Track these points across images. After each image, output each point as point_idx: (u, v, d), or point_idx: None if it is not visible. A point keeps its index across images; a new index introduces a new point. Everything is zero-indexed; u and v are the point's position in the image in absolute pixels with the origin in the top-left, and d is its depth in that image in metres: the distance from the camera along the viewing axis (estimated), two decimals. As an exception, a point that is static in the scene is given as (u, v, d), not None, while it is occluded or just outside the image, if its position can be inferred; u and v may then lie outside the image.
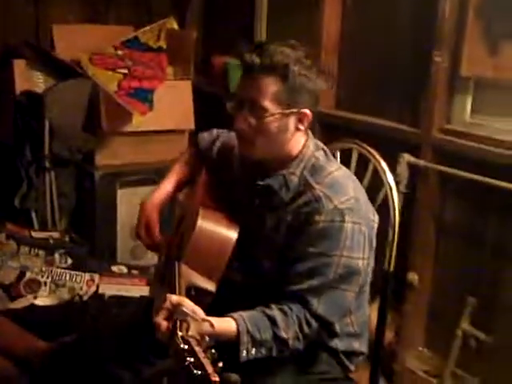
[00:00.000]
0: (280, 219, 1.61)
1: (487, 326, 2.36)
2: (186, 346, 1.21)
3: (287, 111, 1.56)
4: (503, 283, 2.36)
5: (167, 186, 1.90)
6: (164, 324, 1.38)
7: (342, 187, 1.58)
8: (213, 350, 1.22)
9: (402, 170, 2.49)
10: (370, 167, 1.96)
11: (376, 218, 1.69)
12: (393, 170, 2.41)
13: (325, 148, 1.69)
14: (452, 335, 2.39)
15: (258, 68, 1.54)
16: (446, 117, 2.48)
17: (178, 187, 1.92)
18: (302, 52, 1.57)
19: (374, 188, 1.94)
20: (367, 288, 1.74)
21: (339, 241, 1.53)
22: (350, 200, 1.56)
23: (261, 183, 1.64)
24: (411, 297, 2.60)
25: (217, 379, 1.15)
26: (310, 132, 1.68)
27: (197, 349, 1.21)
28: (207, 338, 1.28)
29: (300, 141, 1.64)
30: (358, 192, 1.62)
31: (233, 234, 1.62)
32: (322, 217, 1.54)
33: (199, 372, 1.16)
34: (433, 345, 2.64)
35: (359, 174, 1.98)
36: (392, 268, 1.88)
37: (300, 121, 1.59)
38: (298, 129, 1.60)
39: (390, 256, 1.87)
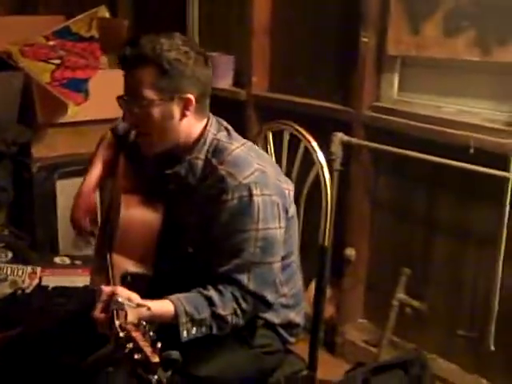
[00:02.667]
0: (193, 204, 1.64)
1: (421, 295, 2.45)
2: (124, 333, 1.24)
3: (167, 97, 1.57)
4: (433, 254, 2.46)
5: (96, 170, 1.91)
6: (101, 317, 1.40)
7: (244, 162, 1.59)
8: (151, 333, 1.25)
9: (336, 148, 2.54)
10: (302, 147, 2.00)
11: (290, 185, 1.72)
12: (328, 149, 2.49)
13: (228, 127, 1.70)
14: (389, 305, 2.46)
15: (131, 61, 1.56)
16: (375, 95, 2.55)
17: (107, 170, 1.93)
18: (178, 40, 1.57)
19: (308, 167, 1.99)
20: (295, 259, 1.78)
21: (252, 215, 1.55)
22: (254, 173, 1.57)
23: (169, 171, 1.66)
24: (349, 271, 2.68)
25: (156, 359, 1.18)
26: (211, 115, 1.69)
27: (134, 334, 1.24)
28: (144, 323, 1.29)
29: (197, 125, 1.65)
30: (264, 164, 1.63)
31: (157, 216, 1.65)
32: (229, 195, 1.55)
33: (140, 356, 1.19)
34: (371, 316, 2.73)
35: (292, 155, 2.03)
36: (327, 243, 1.93)
37: (185, 107, 1.59)
38: (184, 115, 1.60)
39: (325, 231, 1.92)
